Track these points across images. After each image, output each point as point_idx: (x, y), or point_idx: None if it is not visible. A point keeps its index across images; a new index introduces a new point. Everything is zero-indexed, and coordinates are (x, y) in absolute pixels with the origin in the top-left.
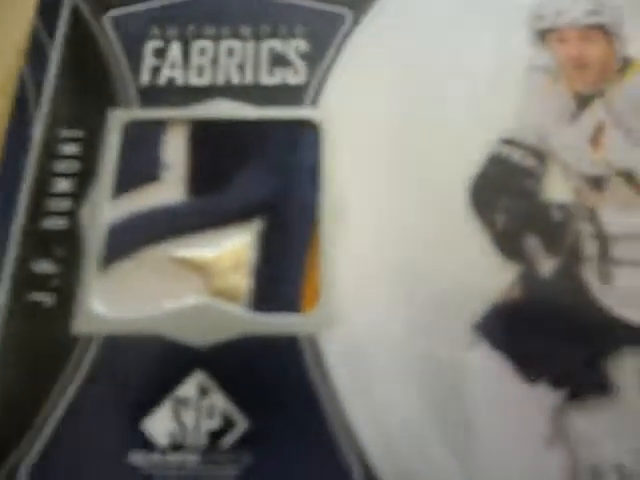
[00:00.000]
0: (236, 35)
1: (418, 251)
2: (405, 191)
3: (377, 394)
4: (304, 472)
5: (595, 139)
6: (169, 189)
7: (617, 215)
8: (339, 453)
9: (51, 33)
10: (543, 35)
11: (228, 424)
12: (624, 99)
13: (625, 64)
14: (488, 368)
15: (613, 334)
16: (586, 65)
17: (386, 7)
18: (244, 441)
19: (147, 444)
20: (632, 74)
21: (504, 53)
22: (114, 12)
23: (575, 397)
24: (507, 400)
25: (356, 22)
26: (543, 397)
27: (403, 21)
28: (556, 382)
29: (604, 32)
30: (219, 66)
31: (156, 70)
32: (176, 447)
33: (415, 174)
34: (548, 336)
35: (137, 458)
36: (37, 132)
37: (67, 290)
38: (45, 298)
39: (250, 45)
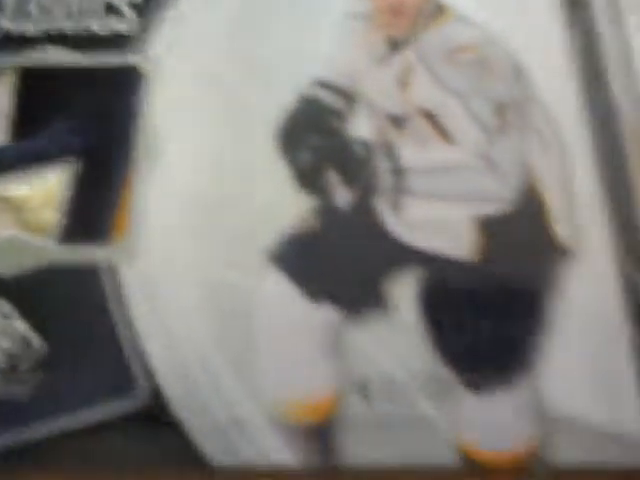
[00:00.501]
0: None
1: (224, 187)
2: (218, 131)
3: (170, 320)
4: (97, 392)
5: (403, 81)
6: None
7: (414, 151)
8: (131, 375)
9: None
10: None
11: (26, 347)
12: (433, 45)
13: (438, 11)
14: (277, 292)
15: (398, 258)
16: (402, 11)
17: None
18: (41, 363)
19: None
20: (443, 21)
21: (322, 4)
22: None
23: (353, 314)
24: (291, 320)
25: None
26: (324, 315)
27: None
28: (338, 301)
29: None
30: (46, 12)
31: None
32: None
33: (229, 114)
34: (337, 261)
35: None
36: None
37: None
38: None
39: None
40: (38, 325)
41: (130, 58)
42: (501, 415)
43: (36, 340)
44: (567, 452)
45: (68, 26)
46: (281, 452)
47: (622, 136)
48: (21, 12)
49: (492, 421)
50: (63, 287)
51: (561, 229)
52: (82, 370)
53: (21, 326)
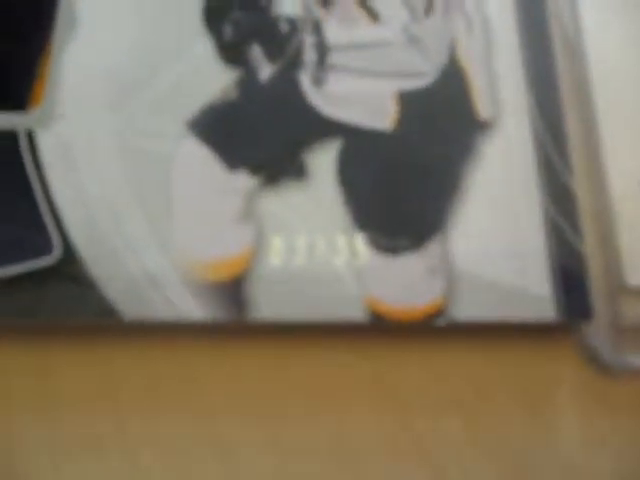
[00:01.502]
0: None
1: (144, 58)
2: (142, 5)
3: (87, 184)
4: (13, 250)
5: None
6: None
7: (338, 27)
8: (45, 231)
9: None
10: None
11: None
12: None
13: None
14: (194, 159)
15: (317, 130)
16: None
17: None
18: None
19: None
20: None
21: None
22: None
23: (270, 182)
24: (208, 185)
25: None
26: (241, 182)
27: None
28: (255, 169)
29: None
30: None
31: None
32: None
33: None
34: (256, 131)
35: None
36: None
37: None
38: None
39: None
40: None
41: None
42: (411, 274)
43: None
44: (473, 308)
45: None
46: (193, 308)
47: (546, 19)
48: None
49: (402, 279)
50: None
51: (481, 104)
52: (1, 230)
53: None
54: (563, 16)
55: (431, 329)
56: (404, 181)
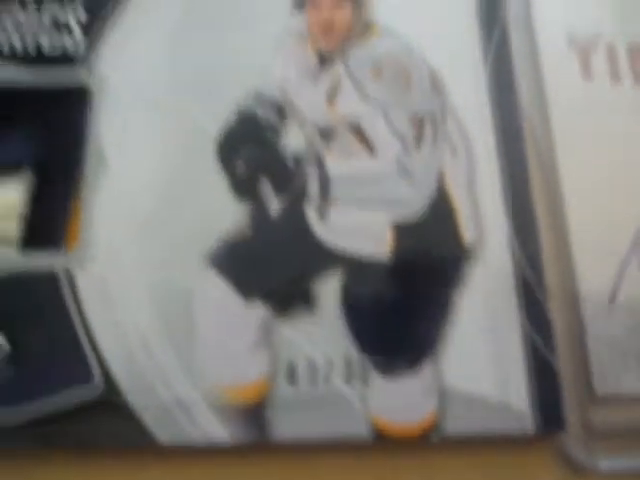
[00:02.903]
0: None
1: (166, 197)
2: (163, 148)
3: (120, 316)
4: (58, 380)
5: (331, 95)
6: None
7: (339, 161)
8: (86, 364)
9: None
10: (300, 2)
11: None
12: (361, 59)
13: (365, 28)
14: (213, 291)
15: (323, 260)
16: (332, 29)
17: None
18: (8, 361)
19: None
20: (369, 37)
21: (262, 21)
22: None
23: (282, 311)
24: (227, 313)
25: None
26: (256, 311)
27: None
28: (267, 299)
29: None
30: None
31: None
32: None
33: (172, 130)
34: (268, 264)
35: None
36: None
37: None
38: None
39: (32, 12)
40: (4, 326)
41: (77, 76)
42: (408, 393)
43: (1, 339)
44: (462, 423)
45: (17, 45)
46: (219, 430)
47: (524, 147)
48: None
49: (400, 398)
50: (26, 291)
51: (466, 232)
52: (45, 364)
53: None
54: (537, 133)
55: (426, 442)
56: (400, 308)
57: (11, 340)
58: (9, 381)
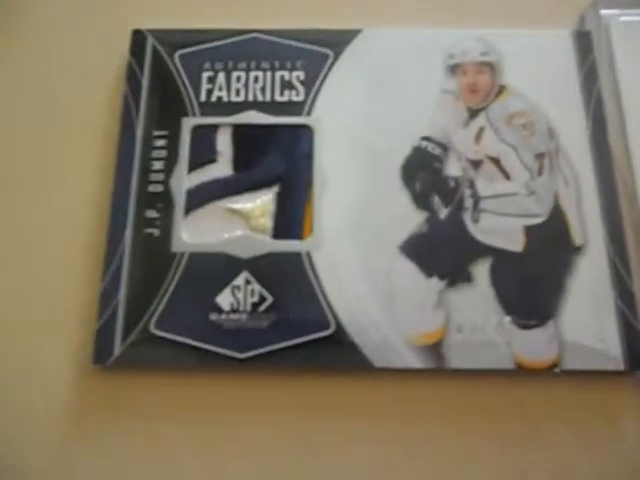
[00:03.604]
0: (259, 68)
1: (369, 206)
2: (364, 170)
3: (344, 285)
4: (305, 326)
5: (478, 137)
6: (221, 167)
7: (485, 184)
8: (324, 315)
9: (141, 66)
10: (452, 68)
11: (262, 299)
12: (497, 112)
13: (501, 89)
14: (405, 270)
15: (476, 251)
16: (477, 90)
17: (357, 49)
18: (270, 308)
19: (218, 309)
20: (505, 96)
21: (427, 82)
22: (180, 52)
23: (451, 284)
24: (414, 286)
25: (336, 59)
26: (434, 284)
27: (368, 60)
28: (442, 276)
29: (491, 67)
30: (249, 89)
31: (210, 91)
32: (234, 311)
33: (369, 159)
34: (440, 252)
35: (213, 317)
36: (139, 131)
37: (166, 227)
38: (154, 231)
39: (268, 74)
40: (267, 286)
41: (302, 118)
42: (538, 341)
43: (267, 295)
44: (575, 362)
45: (260, 97)
46: (413, 360)
47: (615, 177)
48: (231, 87)
49: (533, 344)
50: (280, 266)
51: (575, 236)
52: (295, 314)
53: (257, 287)
54: (622, 166)
55: (552, 374)
56: (532, 285)
57: (273, 297)
58: (272, 323)
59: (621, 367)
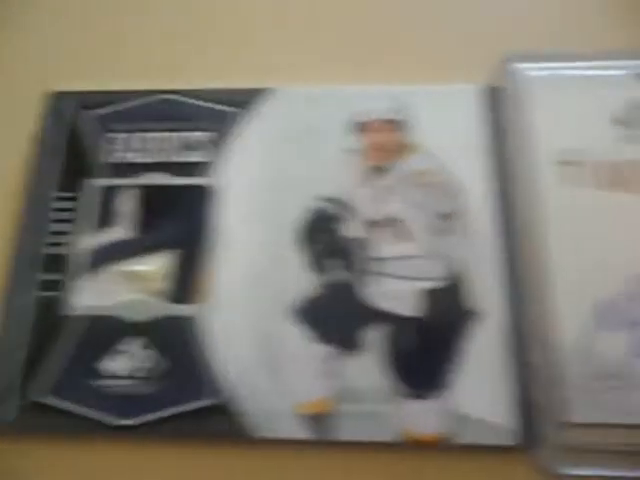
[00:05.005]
0: (165, 129)
1: (266, 269)
2: (263, 232)
3: (236, 349)
4: (190, 393)
5: (380, 197)
6: (122, 229)
7: (386, 246)
8: (212, 380)
9: (48, 127)
10: (359, 126)
11: (153, 364)
12: (404, 171)
13: (408, 148)
14: (295, 336)
15: (370, 315)
16: (383, 147)
17: (265, 108)
18: (160, 374)
19: (106, 375)
20: (411, 155)
21: (333, 141)
22: (87, 113)
23: (342, 351)
24: (303, 353)
25: (243, 118)
26: (324, 352)
27: (275, 119)
28: (333, 342)
29: (398, 125)
30: (154, 150)
31: (114, 153)
32: (121, 377)
33: (267, 219)
34: (334, 318)
35: (99, 382)
36: (42, 193)
37: (64, 290)
38: (51, 294)
39: (174, 135)
40: (160, 351)
41: (204, 179)
42: (429, 411)
43: (158, 360)
44: (464, 437)
45: (165, 158)
46: (296, 430)
47: (518, 241)
48: (135, 148)
49: (422, 416)
50: (173, 330)
51: (474, 301)
52: (184, 381)
53: (148, 352)
54: (528, 229)
55: (443, 448)
56: (425, 353)
57: (164, 362)
58: (160, 389)
59: (514, 442)
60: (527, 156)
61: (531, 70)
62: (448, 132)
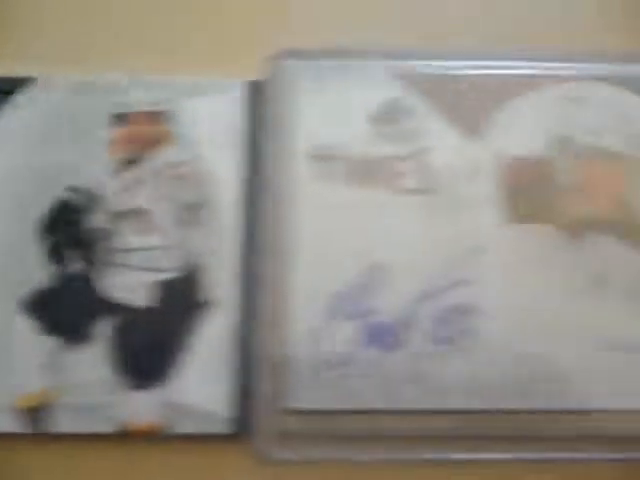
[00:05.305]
0: None
1: (4, 261)
2: (2, 224)
3: None
4: None
5: (129, 188)
6: None
7: (129, 237)
8: None
9: None
10: (117, 117)
11: None
12: (156, 162)
13: (165, 138)
14: (22, 328)
15: (101, 307)
16: (137, 139)
17: (27, 97)
18: None
19: None
20: (166, 146)
21: (89, 131)
22: None
23: (69, 343)
24: (28, 345)
25: (3, 107)
26: (49, 344)
27: (35, 108)
28: (60, 335)
29: (156, 116)
30: None
31: None
32: None
33: (11, 212)
34: (64, 308)
35: None
36: None
37: None
38: None
39: None
40: None
41: None
42: (147, 402)
43: None
44: (182, 425)
45: None
46: (11, 424)
47: (261, 233)
48: None
49: (142, 406)
50: None
51: (207, 292)
52: None
53: None
54: (272, 221)
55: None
56: (150, 344)
57: None
58: None
59: (230, 430)
60: (282, 150)
61: (297, 67)
62: (209, 125)
